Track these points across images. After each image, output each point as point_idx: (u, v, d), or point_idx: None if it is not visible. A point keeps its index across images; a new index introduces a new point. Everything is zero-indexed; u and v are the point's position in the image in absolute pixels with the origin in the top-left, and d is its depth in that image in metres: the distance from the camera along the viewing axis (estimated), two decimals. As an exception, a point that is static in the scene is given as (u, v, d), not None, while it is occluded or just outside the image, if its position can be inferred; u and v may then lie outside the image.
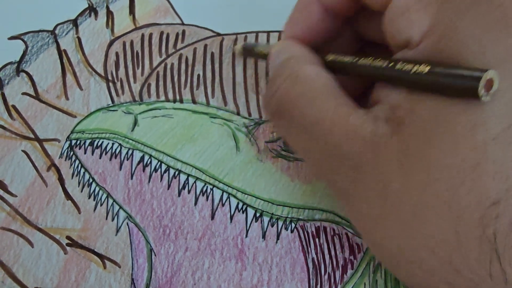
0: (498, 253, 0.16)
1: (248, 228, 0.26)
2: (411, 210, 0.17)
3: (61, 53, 0.30)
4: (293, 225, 0.26)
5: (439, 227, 0.17)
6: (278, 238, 0.25)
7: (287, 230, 0.26)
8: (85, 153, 0.27)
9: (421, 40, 0.18)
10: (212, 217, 0.26)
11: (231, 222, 0.26)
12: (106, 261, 0.25)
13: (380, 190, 0.18)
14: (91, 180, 0.27)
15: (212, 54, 0.30)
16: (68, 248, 0.25)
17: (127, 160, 0.27)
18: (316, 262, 0.25)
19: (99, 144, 0.28)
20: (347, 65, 0.21)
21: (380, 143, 0.18)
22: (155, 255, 0.25)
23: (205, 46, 0.31)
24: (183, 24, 0.32)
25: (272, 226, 0.26)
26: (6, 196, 0.26)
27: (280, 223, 0.26)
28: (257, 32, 0.31)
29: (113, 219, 0.26)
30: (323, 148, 0.20)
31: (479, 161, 0.16)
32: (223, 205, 0.26)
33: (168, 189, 0.27)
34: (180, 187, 0.27)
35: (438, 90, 0.17)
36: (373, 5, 0.21)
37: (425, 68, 0.17)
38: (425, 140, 0.17)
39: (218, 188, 0.26)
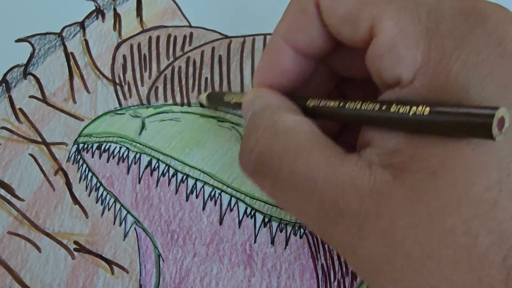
0: None
1: (256, 233, 0.25)
2: (425, 256, 0.16)
3: (68, 55, 0.30)
4: (302, 230, 0.25)
5: (458, 273, 0.15)
6: (287, 244, 0.25)
7: (296, 236, 0.25)
8: (92, 157, 0.27)
9: (414, 77, 0.16)
10: (221, 222, 0.25)
11: (239, 227, 0.25)
12: (114, 266, 0.24)
13: (388, 242, 0.16)
14: (98, 184, 0.26)
15: (220, 57, 0.30)
16: (75, 253, 0.25)
17: (135, 164, 0.27)
18: (326, 269, 0.24)
19: (106, 147, 0.27)
20: (332, 110, 0.19)
21: (381, 192, 0.16)
22: (163, 261, 0.25)
23: (213, 48, 0.30)
24: (190, 26, 0.31)
25: (281, 231, 0.25)
26: (13, 200, 0.26)
27: (289, 228, 0.25)
28: (265, 35, 0.30)
29: (120, 224, 0.25)
30: (319, 206, 0.17)
31: (495, 200, 0.15)
32: (231, 210, 0.26)
33: (176, 193, 0.26)
34: (188, 192, 0.26)
35: (443, 132, 0.15)
36: (352, 44, 0.19)
37: (425, 110, 0.15)
38: (435, 186, 0.15)
39: (226, 192, 0.26)
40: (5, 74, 0.29)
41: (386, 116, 0.16)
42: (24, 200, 0.26)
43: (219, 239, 0.25)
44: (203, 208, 0.26)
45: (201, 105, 0.28)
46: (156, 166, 0.27)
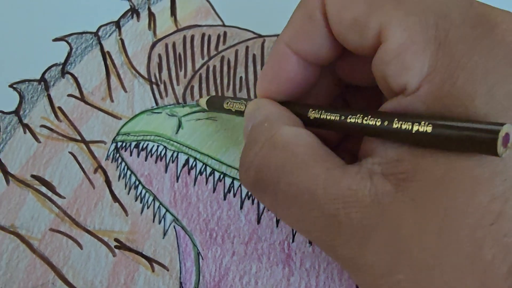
0: None
1: (294, 232, 0.24)
2: (428, 266, 0.15)
3: (104, 55, 0.29)
4: (339, 230, 0.24)
5: (463, 283, 0.15)
6: (324, 243, 0.24)
7: (333, 235, 0.24)
8: (130, 155, 0.26)
9: (420, 85, 0.15)
10: (258, 221, 0.25)
11: (277, 226, 0.24)
12: (154, 264, 0.24)
13: (391, 252, 0.15)
14: (137, 182, 0.26)
15: (254, 56, 0.29)
16: (116, 250, 0.24)
17: (172, 162, 0.26)
18: (364, 268, 0.24)
19: (144, 146, 0.27)
20: (333, 122, 0.18)
21: (383, 202, 0.15)
22: (202, 259, 0.24)
23: (247, 48, 0.29)
24: (224, 25, 0.30)
25: (319, 231, 0.24)
26: (54, 197, 0.25)
27: (327, 228, 0.24)
28: (299, 34, 0.29)
29: (160, 222, 0.25)
30: (318, 219, 0.17)
31: (500, 211, 0.14)
32: (268, 209, 0.25)
33: (213, 192, 0.25)
34: (226, 191, 0.25)
35: (446, 147, 0.15)
36: (359, 51, 0.18)
37: (427, 128, 0.14)
38: (438, 196, 0.15)
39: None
40: (44, 73, 0.28)
41: (388, 130, 0.16)
42: (65, 198, 0.25)
43: (257, 238, 0.24)
44: (241, 207, 0.25)
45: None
46: (193, 164, 0.26)
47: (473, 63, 0.15)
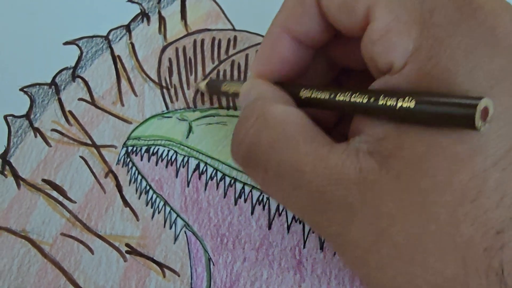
0: (507, 285, 0.14)
1: (305, 238, 0.24)
2: (409, 244, 0.15)
3: (115, 58, 0.29)
4: (350, 236, 0.24)
5: (443, 261, 0.15)
6: (336, 250, 0.24)
7: (345, 242, 0.24)
8: (141, 159, 0.26)
9: (405, 64, 0.16)
10: (269, 227, 0.24)
11: (288, 232, 0.24)
12: (165, 269, 0.24)
13: (374, 230, 0.16)
14: (148, 187, 0.26)
15: (264, 60, 0.29)
16: (127, 255, 0.24)
17: (183, 167, 0.26)
18: (375, 275, 0.23)
19: (155, 151, 0.26)
20: (323, 101, 0.18)
21: (368, 180, 0.16)
22: (213, 265, 0.24)
23: (257, 52, 0.29)
24: (234, 29, 0.30)
25: (330, 237, 0.24)
26: (65, 202, 0.25)
27: (338, 234, 0.24)
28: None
29: (171, 227, 0.25)
30: (306, 196, 0.17)
31: (480, 189, 0.14)
32: (279, 214, 0.25)
33: (224, 197, 0.25)
34: (236, 196, 0.25)
35: (428, 122, 0.15)
36: (349, 32, 0.18)
37: (411, 103, 0.15)
38: (419, 173, 0.15)
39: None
40: (54, 77, 0.28)
41: (374, 107, 0.16)
42: (76, 202, 0.25)
43: (269, 244, 0.24)
44: (252, 213, 0.25)
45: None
46: (204, 169, 0.26)
47: (456, 43, 0.15)
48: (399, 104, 0.15)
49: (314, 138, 0.18)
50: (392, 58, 0.16)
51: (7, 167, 0.26)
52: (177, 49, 0.29)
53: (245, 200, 0.25)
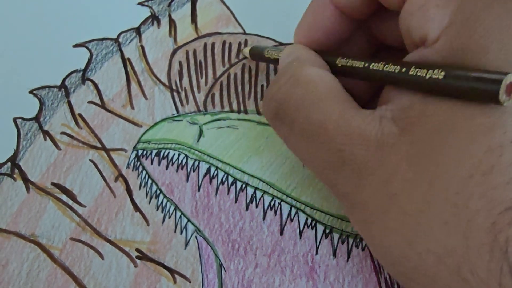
0: (509, 262, 0.14)
1: (318, 245, 0.24)
2: (417, 211, 0.15)
3: (125, 61, 0.29)
4: (363, 243, 0.24)
5: (446, 232, 0.15)
6: (349, 256, 0.23)
7: (358, 248, 0.24)
8: (151, 163, 0.26)
9: (438, 37, 0.16)
10: (281, 233, 0.24)
11: (300, 238, 0.24)
12: (176, 275, 0.23)
13: (385, 193, 0.16)
14: (158, 191, 0.25)
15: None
16: (138, 261, 0.24)
17: (194, 171, 0.25)
18: (389, 282, 0.23)
19: (165, 154, 0.26)
20: (358, 70, 0.19)
21: (387, 143, 0.16)
22: (225, 271, 0.23)
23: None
24: (245, 33, 0.30)
25: (343, 243, 0.24)
26: (75, 206, 0.25)
27: (351, 240, 0.24)
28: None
29: (181, 232, 0.24)
30: (326, 153, 0.18)
31: (494, 163, 0.14)
32: (291, 220, 0.24)
33: (235, 202, 0.25)
34: (248, 201, 0.25)
35: (454, 95, 0.15)
36: (389, 4, 0.19)
37: (440, 74, 0.15)
38: (437, 142, 0.15)
39: (286, 202, 0.25)
40: (64, 79, 0.28)
41: (405, 77, 0.17)
42: (85, 206, 0.25)
43: (281, 250, 0.24)
44: (264, 218, 0.24)
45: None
46: (215, 174, 0.25)
47: (490, 20, 0.15)
48: (428, 75, 0.15)
49: (342, 100, 0.18)
50: (427, 30, 0.16)
51: (16, 171, 0.25)
52: (187, 52, 0.29)
53: (257, 205, 0.25)
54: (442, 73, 0.15)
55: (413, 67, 0.16)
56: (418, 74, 0.16)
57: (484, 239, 0.14)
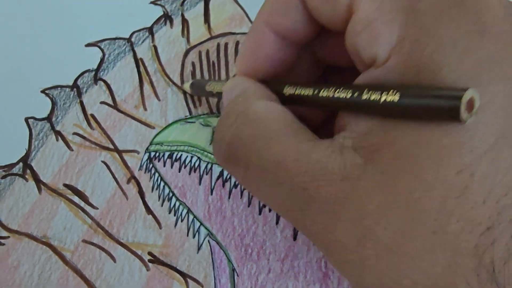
0: (498, 284, 0.13)
1: (331, 250, 0.23)
2: (395, 243, 0.14)
3: (138, 62, 0.28)
4: (378, 249, 0.23)
5: (429, 260, 0.14)
6: (363, 263, 0.23)
7: (372, 255, 0.23)
8: (164, 166, 0.25)
9: (389, 56, 0.15)
10: (295, 238, 0.24)
11: (313, 243, 0.23)
12: (188, 279, 0.23)
13: (358, 227, 0.15)
14: (171, 194, 0.25)
15: (289, 66, 0.28)
16: (150, 264, 0.23)
17: (206, 174, 0.25)
18: (404, 290, 0.22)
19: (178, 156, 0.26)
20: (307, 98, 0.18)
21: (352, 175, 0.15)
22: (237, 276, 0.23)
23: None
24: (258, 34, 0.29)
25: (357, 249, 0.23)
26: (87, 208, 0.24)
27: (365, 247, 0.23)
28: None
29: (194, 236, 0.24)
30: (289, 192, 0.16)
31: (467, 184, 0.13)
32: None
33: (248, 206, 0.24)
34: (261, 205, 0.24)
35: (413, 116, 0.14)
36: (333, 26, 0.17)
37: (395, 97, 0.14)
38: (405, 168, 0.14)
39: (299, 207, 0.24)
40: (76, 79, 0.27)
41: (358, 102, 0.15)
42: (97, 208, 0.24)
43: (294, 255, 0.23)
44: (277, 222, 0.24)
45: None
46: (228, 177, 0.25)
47: (441, 32, 0.14)
48: (383, 98, 0.14)
49: (297, 134, 0.17)
50: (376, 49, 0.15)
51: (28, 171, 0.25)
52: (200, 53, 0.28)
53: (270, 210, 0.24)
54: (398, 94, 0.14)
55: (366, 89, 0.15)
56: (372, 98, 0.15)
57: (470, 264, 0.13)
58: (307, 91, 0.18)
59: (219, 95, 0.22)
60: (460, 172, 0.14)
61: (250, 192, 0.19)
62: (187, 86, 0.26)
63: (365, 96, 0.15)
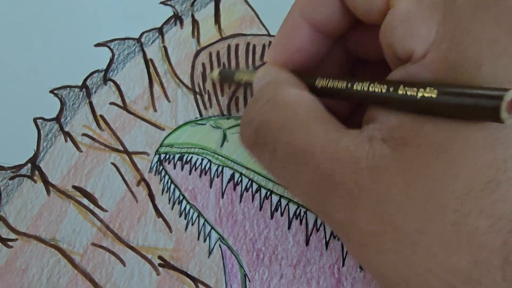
0: None
1: (344, 256, 0.23)
2: (414, 231, 0.14)
3: (147, 62, 0.28)
4: (392, 255, 0.23)
5: (447, 251, 0.14)
6: (376, 269, 0.22)
7: (385, 261, 0.23)
8: (174, 168, 0.25)
9: (426, 52, 0.15)
10: (307, 243, 0.23)
11: (326, 249, 0.23)
12: (199, 284, 0.22)
13: (380, 214, 0.15)
14: (181, 197, 0.24)
15: (301, 68, 0.27)
16: (160, 268, 0.23)
17: (217, 177, 0.25)
18: (418, 297, 0.22)
19: (188, 159, 0.25)
20: (340, 90, 0.18)
21: (379, 164, 0.15)
22: (249, 281, 0.22)
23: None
24: (269, 35, 0.29)
25: (370, 255, 0.23)
26: (96, 210, 0.24)
27: (379, 252, 0.23)
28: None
29: (205, 240, 0.23)
30: (314, 178, 0.16)
31: (494, 178, 0.13)
32: (317, 230, 0.23)
33: (260, 210, 0.24)
34: (273, 209, 0.24)
35: (449, 113, 0.14)
36: (368, 19, 0.17)
37: (432, 92, 0.14)
38: (433, 161, 0.14)
39: (312, 212, 0.24)
40: (85, 79, 0.27)
41: (393, 98, 0.15)
42: (107, 211, 0.24)
43: (306, 261, 0.23)
44: (289, 227, 0.23)
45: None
46: (239, 180, 0.24)
47: (480, 31, 0.14)
48: (419, 95, 0.14)
49: (325, 122, 0.17)
50: (413, 45, 0.15)
51: (36, 172, 0.25)
52: (210, 54, 0.28)
53: (282, 214, 0.24)
54: (435, 91, 0.14)
55: (401, 86, 0.15)
56: (409, 93, 0.15)
57: (494, 260, 0.13)
58: (341, 84, 0.18)
59: (247, 84, 0.22)
60: (489, 167, 0.14)
61: (274, 177, 0.19)
62: (215, 74, 0.26)
63: (401, 92, 0.15)
